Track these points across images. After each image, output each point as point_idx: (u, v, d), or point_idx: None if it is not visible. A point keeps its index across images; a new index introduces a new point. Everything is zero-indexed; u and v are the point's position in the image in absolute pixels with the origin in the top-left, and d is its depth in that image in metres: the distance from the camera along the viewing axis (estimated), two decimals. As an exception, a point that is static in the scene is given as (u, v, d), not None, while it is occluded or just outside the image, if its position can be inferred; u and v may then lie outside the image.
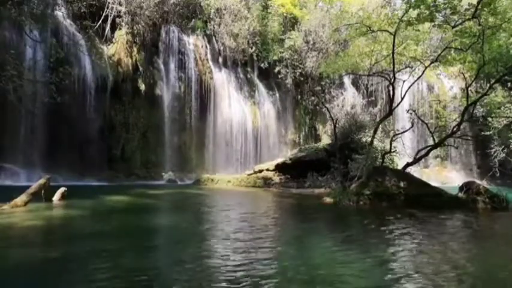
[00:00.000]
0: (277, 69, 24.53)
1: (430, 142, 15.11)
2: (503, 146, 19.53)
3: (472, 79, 14.63)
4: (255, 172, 18.13)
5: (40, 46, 15.56)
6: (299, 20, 25.49)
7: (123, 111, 18.72)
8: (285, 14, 25.17)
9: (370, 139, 13.81)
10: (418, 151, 13.23)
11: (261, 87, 24.76)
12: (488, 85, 14.26)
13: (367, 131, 17.22)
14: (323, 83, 25.57)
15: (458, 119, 14.36)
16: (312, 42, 24.50)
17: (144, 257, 4.60)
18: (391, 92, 13.47)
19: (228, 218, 8.07)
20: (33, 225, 6.34)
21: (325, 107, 19.01)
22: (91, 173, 16.05)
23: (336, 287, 3.74)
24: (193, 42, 22.05)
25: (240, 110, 22.89)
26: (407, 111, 15.13)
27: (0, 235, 5.64)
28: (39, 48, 15.61)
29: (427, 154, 13.91)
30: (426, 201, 9.85)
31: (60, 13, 17.30)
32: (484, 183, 15.63)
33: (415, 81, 14.62)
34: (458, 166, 26.17)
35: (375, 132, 13.41)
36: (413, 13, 11.59)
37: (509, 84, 19.85)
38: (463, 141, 22.18)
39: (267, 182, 16.74)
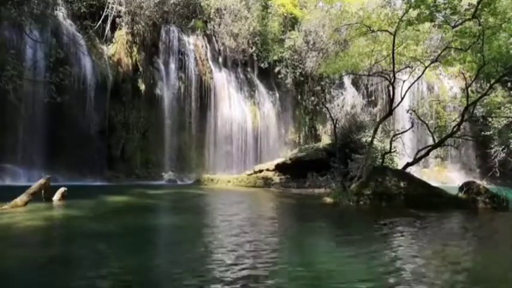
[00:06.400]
0: (277, 69, 24.51)
1: (430, 142, 15.10)
2: (503, 146, 19.51)
3: (472, 79, 14.64)
4: (255, 172, 18.12)
5: (40, 46, 15.55)
6: (299, 20, 25.47)
7: (123, 111, 18.71)
8: (285, 14, 25.16)
9: (370, 139, 13.81)
10: (418, 151, 13.22)
11: (261, 87, 24.75)
12: (488, 85, 14.25)
13: (367, 131, 17.21)
14: (323, 83, 25.56)
15: (458, 119, 14.36)
16: (312, 42, 24.48)
17: (145, 257, 4.60)
18: (391, 92, 13.48)
19: (228, 218, 8.07)
20: (33, 225, 6.34)
21: (325, 107, 19.03)
22: (91, 173, 16.04)
23: (336, 287, 3.74)
24: (193, 42, 22.04)
25: (240, 110, 22.88)
26: (407, 111, 15.13)
27: (0, 235, 5.64)
28: (39, 48, 15.59)
29: (427, 154, 13.91)
30: (426, 201, 9.84)
31: (60, 13, 17.28)
32: (484, 183, 15.61)
33: (415, 81, 14.63)
34: (458, 166, 26.14)
35: (375, 132, 13.41)
36: (414, 13, 11.60)
37: (509, 84, 19.84)
38: (463, 141, 22.16)
39: (267, 182, 16.73)
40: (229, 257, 4.62)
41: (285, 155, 21.08)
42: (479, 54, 11.58)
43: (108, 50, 18.76)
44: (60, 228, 6.57)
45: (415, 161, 12.64)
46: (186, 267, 4.24)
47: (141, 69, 19.68)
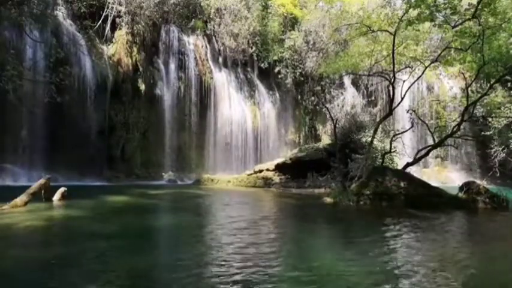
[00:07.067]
0: (277, 69, 24.51)
1: (430, 142, 15.10)
2: (503, 146, 19.48)
3: (472, 79, 14.63)
4: (255, 172, 18.12)
5: (40, 46, 15.55)
6: (299, 20, 25.48)
7: (123, 111, 18.70)
8: (285, 14, 25.16)
9: (370, 139, 13.81)
10: (418, 151, 13.23)
11: (261, 87, 24.75)
12: (488, 85, 14.25)
13: (367, 131, 17.21)
14: (323, 83, 25.56)
15: (458, 119, 14.36)
16: (312, 42, 24.49)
17: (145, 257, 4.59)
18: (391, 92, 13.48)
19: (228, 218, 8.07)
20: (33, 225, 6.34)
21: (325, 107, 19.03)
22: (91, 173, 16.03)
23: (336, 287, 3.74)
24: (193, 42, 22.04)
25: (240, 110, 22.88)
26: (408, 111, 15.13)
27: (0, 235, 5.64)
28: (39, 48, 15.59)
29: (427, 154, 13.91)
30: (426, 201, 9.84)
31: (60, 13, 17.28)
32: (484, 183, 15.61)
33: (415, 81, 14.62)
34: (458, 166, 26.15)
35: (375, 132, 13.41)
36: (414, 13, 11.60)
37: (509, 84, 19.81)
38: (463, 141, 22.17)
39: (267, 182, 16.73)
40: (229, 257, 4.62)
41: (285, 155, 21.08)
42: (479, 54, 11.57)
43: (108, 50, 18.75)
44: (60, 228, 6.57)
45: (415, 161, 12.64)
46: (186, 267, 4.24)
47: (141, 69, 19.68)
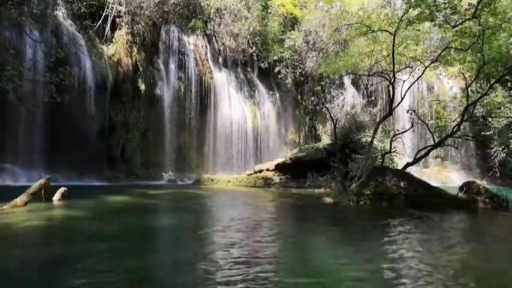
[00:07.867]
0: (277, 69, 24.52)
1: (430, 142, 15.11)
2: (503, 146, 19.49)
3: (472, 79, 14.63)
4: (255, 172, 18.12)
5: (40, 46, 15.54)
6: (299, 20, 25.49)
7: (123, 111, 18.70)
8: (285, 14, 25.17)
9: (370, 139, 13.81)
10: (418, 151, 13.23)
11: (261, 87, 24.76)
12: (488, 85, 14.25)
13: (367, 131, 17.21)
14: (323, 83, 25.57)
15: (458, 119, 14.36)
16: (312, 42, 24.50)
17: (145, 258, 4.59)
18: (391, 92, 13.49)
19: (228, 218, 8.07)
20: (33, 225, 6.34)
21: (325, 107, 19.03)
22: (91, 173, 16.03)
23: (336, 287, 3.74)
24: (193, 42, 22.05)
25: (240, 110, 22.89)
26: (407, 111, 15.14)
27: (0, 235, 5.63)
28: (39, 48, 15.59)
29: (427, 154, 13.91)
30: (426, 201, 9.84)
31: (60, 13, 17.27)
32: (484, 183, 15.61)
33: (415, 81, 14.63)
34: (458, 166, 26.16)
35: (375, 132, 13.41)
36: (414, 13, 11.60)
37: (509, 84, 19.82)
38: (463, 141, 22.20)
39: (267, 182, 16.74)
40: (229, 258, 4.62)
41: (285, 155, 21.08)
42: (479, 54, 11.58)
43: (108, 50, 18.75)
44: (60, 228, 6.56)
45: (415, 161, 12.64)
46: (186, 268, 4.24)
47: (141, 69, 19.68)
